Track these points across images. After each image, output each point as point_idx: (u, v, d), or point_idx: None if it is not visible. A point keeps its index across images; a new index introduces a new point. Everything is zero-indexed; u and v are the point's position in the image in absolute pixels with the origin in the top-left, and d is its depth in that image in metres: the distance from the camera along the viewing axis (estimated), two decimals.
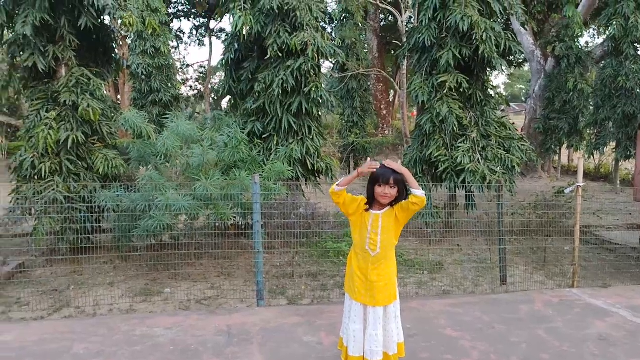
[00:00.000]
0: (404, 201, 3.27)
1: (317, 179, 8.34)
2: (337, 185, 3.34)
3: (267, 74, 7.80)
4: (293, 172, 7.12)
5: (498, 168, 7.96)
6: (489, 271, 7.00)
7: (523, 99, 45.29)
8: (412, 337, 4.40)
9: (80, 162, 7.35)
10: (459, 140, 8.26)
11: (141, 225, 5.83)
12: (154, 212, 5.71)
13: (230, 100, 8.66)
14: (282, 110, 7.60)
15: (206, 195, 5.72)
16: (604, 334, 4.58)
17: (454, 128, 8.17)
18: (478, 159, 7.97)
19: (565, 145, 17.15)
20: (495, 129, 8.51)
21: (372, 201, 3.35)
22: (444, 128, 8.28)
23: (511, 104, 42.74)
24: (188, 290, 6.16)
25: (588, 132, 15.80)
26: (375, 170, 3.28)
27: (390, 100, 30.03)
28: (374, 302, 3.37)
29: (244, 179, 5.80)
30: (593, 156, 15.36)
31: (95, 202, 6.32)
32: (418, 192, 3.18)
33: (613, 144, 14.64)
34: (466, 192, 8.30)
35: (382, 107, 25.31)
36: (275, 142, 7.58)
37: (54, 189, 6.81)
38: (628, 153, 13.32)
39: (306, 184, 8.17)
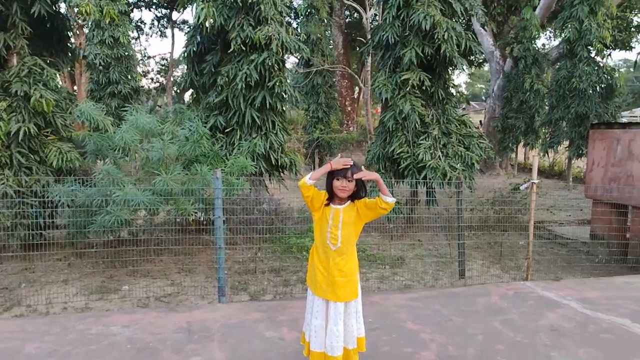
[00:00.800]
0: (369, 200, 3.31)
1: (281, 174, 8.30)
2: (309, 178, 3.34)
3: (230, 67, 7.70)
4: (256, 167, 7.06)
5: (458, 165, 8.14)
6: (448, 265, 7.17)
7: (483, 97, 46.53)
8: (373, 330, 4.46)
9: (32, 155, 7.04)
10: (421, 138, 8.40)
11: (97, 221, 5.64)
12: (111, 207, 5.54)
13: (192, 93, 8.50)
14: (245, 104, 7.52)
15: (166, 190, 5.59)
16: (555, 325, 4.77)
17: (416, 125, 8.31)
18: (439, 156, 8.13)
19: (522, 144, 17.76)
20: (456, 126, 8.71)
21: (332, 196, 3.37)
22: (406, 125, 8.40)
23: (472, 102, 43.83)
24: (147, 287, 6.02)
25: (543, 131, 16.42)
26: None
27: (355, 97, 30.23)
28: (335, 297, 3.39)
29: (206, 173, 5.70)
30: (547, 154, 15.98)
31: (48, 197, 6.08)
32: (388, 200, 3.21)
33: (566, 143, 15.26)
34: (427, 188, 8.46)
35: (346, 103, 25.43)
36: (238, 137, 7.49)
37: (3, 183, 6.50)
38: (580, 151, 13.92)
39: (270, 180, 8.13)
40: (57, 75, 7.56)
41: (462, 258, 6.05)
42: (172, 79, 32.62)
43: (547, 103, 16.34)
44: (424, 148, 8.15)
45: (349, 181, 3.25)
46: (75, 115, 6.61)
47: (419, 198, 9.23)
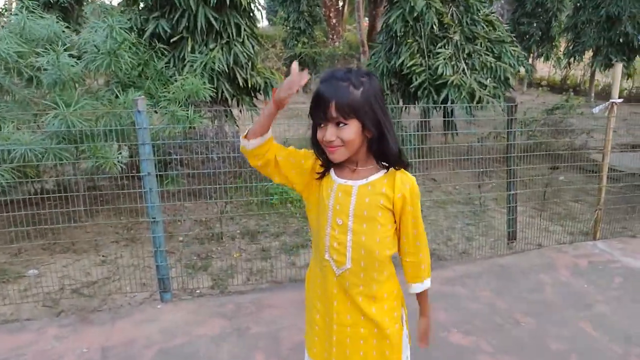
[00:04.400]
0: (416, 206, 1.53)
1: (254, 99, 6.24)
2: (244, 137, 1.49)
3: None
4: (215, 91, 5.00)
5: (488, 80, 6.16)
6: (480, 216, 5.44)
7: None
8: None
9: None
10: (439, 45, 6.31)
11: None
12: None
13: None
14: (196, 1, 5.26)
15: (70, 132, 3.59)
16: None
17: (433, 27, 6.18)
18: (463, 69, 6.11)
19: (534, 55, 15.54)
20: (483, 28, 6.59)
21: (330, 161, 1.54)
22: (419, 28, 6.27)
23: None
24: (65, 269, 4.19)
25: (566, 37, 14.06)
26: (300, 87, 1.45)
27: (340, 8, 27.03)
28: None
29: (130, 103, 3.69)
30: (569, 65, 13.88)
31: None
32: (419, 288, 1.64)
33: (589, 54, 13.16)
34: (445, 113, 6.49)
35: (331, 15, 22.47)
36: (189, 48, 5.32)
37: None
38: (608, 61, 11.86)
39: (238, 107, 6.07)
40: None
41: (514, 215, 4.26)
42: None
43: (568, 4, 13.91)
44: (444, 58, 6.10)
45: (336, 126, 1.42)
46: None
47: (430, 123, 7.28)
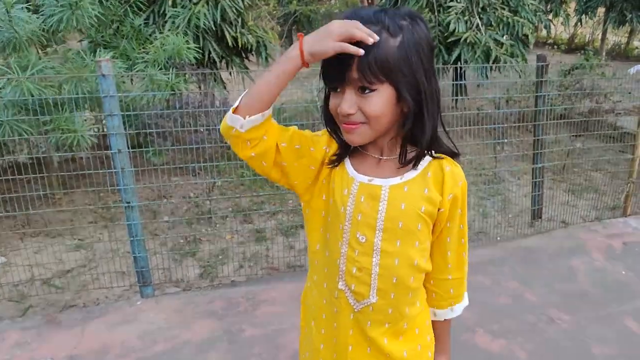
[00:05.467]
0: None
1: (245, 60, 5.63)
2: (233, 110, 0.97)
3: None
4: (200, 51, 4.41)
5: (504, 37, 5.57)
6: (493, 188, 4.97)
7: None
8: None
9: None
10: None
11: None
12: None
13: None
14: None
15: (25, 101, 3.04)
16: None
17: None
18: (477, 25, 5.50)
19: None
20: None
21: (346, 144, 1.04)
22: None
23: None
24: (37, 257, 3.72)
25: None
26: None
27: None
28: None
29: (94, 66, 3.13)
30: (581, 22, 13.13)
31: None
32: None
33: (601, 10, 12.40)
34: (456, 75, 5.92)
35: None
36: (170, 3, 4.68)
37: None
38: (623, 18, 11.15)
39: (228, 69, 5.46)
40: None
41: (540, 191, 3.79)
42: None
43: None
44: (455, 13, 5.49)
45: (360, 91, 0.92)
46: None
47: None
